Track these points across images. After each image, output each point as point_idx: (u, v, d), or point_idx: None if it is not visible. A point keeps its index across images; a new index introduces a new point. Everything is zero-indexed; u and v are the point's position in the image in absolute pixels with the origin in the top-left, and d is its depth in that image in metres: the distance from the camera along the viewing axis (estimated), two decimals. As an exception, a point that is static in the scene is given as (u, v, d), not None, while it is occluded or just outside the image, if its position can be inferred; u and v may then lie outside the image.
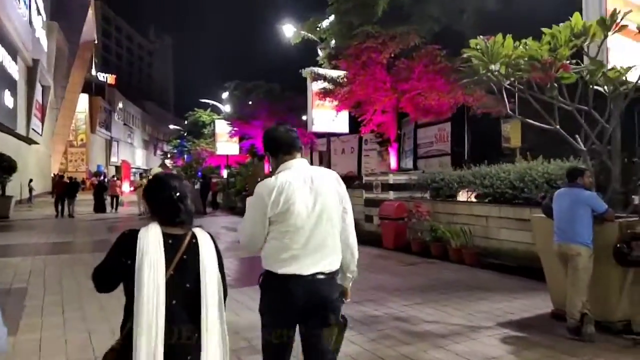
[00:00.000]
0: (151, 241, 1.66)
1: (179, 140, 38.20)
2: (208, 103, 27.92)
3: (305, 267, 2.01)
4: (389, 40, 10.25)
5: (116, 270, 1.70)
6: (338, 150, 23.00)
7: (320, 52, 13.98)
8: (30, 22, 24.70)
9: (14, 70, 21.42)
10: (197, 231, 1.81)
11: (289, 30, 14.33)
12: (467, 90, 8.94)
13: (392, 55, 10.50)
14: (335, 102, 12.15)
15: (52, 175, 40.54)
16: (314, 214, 2.03)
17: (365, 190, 11.19)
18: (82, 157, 52.55)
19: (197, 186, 19.55)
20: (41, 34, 28.86)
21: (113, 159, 61.99)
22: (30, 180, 26.93)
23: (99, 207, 18.60)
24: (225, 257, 2.12)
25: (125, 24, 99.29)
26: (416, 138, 16.84)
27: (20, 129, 23.88)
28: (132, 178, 58.88)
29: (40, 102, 29.97)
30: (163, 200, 1.76)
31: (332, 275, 2.09)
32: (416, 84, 10.26)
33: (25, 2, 22.70)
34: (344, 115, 13.50)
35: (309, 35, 13.48)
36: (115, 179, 20.08)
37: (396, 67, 10.46)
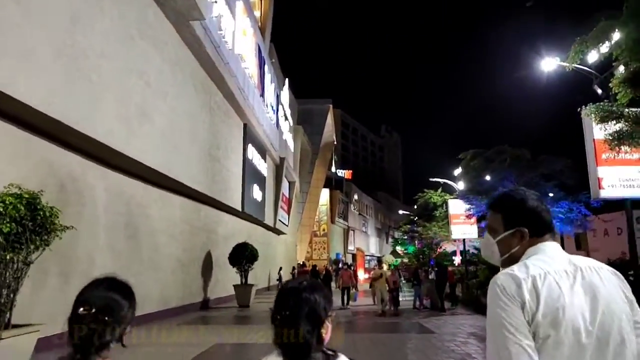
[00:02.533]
0: None
1: (408, 226, 36.51)
2: (439, 182, 25.50)
3: None
4: None
5: None
6: (598, 231, 17.43)
7: (597, 89, 9.99)
8: (278, 125, 27.98)
9: (263, 167, 23.84)
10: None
11: (549, 65, 10.73)
12: None
13: None
14: None
15: (297, 264, 44.24)
16: (594, 330, 1.25)
17: None
18: (324, 245, 56.38)
19: (432, 276, 16.55)
20: (288, 136, 32.67)
21: (350, 247, 65.05)
22: (280, 269, 28.96)
23: None
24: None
25: (360, 125, 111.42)
26: None
27: (268, 220, 26.09)
28: (366, 265, 60.15)
29: (287, 195, 33.15)
30: (276, 320, 1.38)
31: None
32: None
33: (272, 108, 25.83)
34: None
35: (575, 66, 9.70)
36: (345, 267, 18.00)
37: None
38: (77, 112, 8.09)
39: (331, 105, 49.59)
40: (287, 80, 33.39)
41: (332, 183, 62.60)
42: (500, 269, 1.46)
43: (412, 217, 37.41)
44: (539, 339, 1.25)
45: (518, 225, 1.45)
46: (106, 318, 1.35)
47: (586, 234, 29.57)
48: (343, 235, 64.87)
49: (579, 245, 30.41)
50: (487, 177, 16.25)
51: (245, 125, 20.21)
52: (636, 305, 1.36)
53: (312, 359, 1.34)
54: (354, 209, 70.59)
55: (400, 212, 59.53)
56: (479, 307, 15.25)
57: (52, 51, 7.57)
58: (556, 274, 1.32)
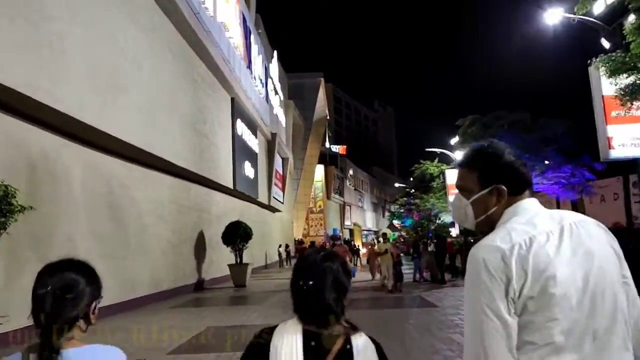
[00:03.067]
0: (286, 344, 1.33)
1: (405, 199, 36.01)
2: (435, 152, 24.70)
3: None
4: None
5: None
6: (595, 197, 17.08)
7: (605, 42, 9.22)
8: (268, 100, 27.09)
9: (254, 143, 23.10)
10: (356, 336, 1.36)
11: (552, 16, 9.85)
12: None
13: None
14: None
15: (295, 240, 43.99)
16: (586, 296, 1.17)
17: None
18: (321, 222, 56.21)
19: (431, 248, 16.11)
20: (279, 111, 31.79)
21: (347, 222, 64.97)
22: (280, 246, 28.68)
23: None
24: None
25: (353, 100, 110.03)
26: None
27: (262, 198, 25.51)
28: (363, 240, 60.12)
29: (281, 172, 32.50)
30: (296, 290, 1.42)
31: None
32: None
33: (261, 81, 24.89)
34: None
35: (581, 17, 8.92)
36: (340, 242, 16.60)
37: None
38: (41, 82, 7.32)
39: (322, 79, 48.46)
40: (275, 52, 32.29)
41: (327, 159, 62.04)
42: (477, 233, 1.36)
43: (408, 190, 36.94)
44: (528, 313, 1.15)
45: (495, 183, 1.31)
46: (66, 295, 1.31)
47: (583, 200, 29.33)
48: (339, 211, 64.73)
49: (576, 212, 30.09)
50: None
51: (232, 100, 19.38)
52: (623, 259, 1.29)
53: (332, 329, 1.35)
54: (350, 185, 70.32)
55: (396, 185, 59.13)
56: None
57: (8, 13, 6.75)
58: (542, 237, 1.20)
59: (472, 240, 19.22)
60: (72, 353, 1.27)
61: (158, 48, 12.32)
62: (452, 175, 19.97)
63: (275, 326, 1.40)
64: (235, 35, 18.28)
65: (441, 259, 14.97)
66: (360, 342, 1.37)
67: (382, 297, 12.03)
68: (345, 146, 75.48)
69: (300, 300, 1.38)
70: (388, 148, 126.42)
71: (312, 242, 20.45)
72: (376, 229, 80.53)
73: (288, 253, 29.06)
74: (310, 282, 1.36)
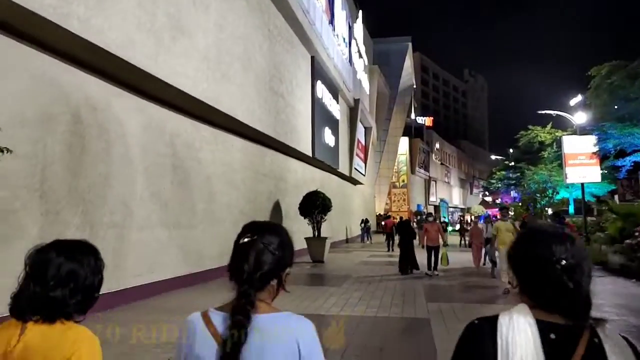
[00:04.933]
0: (519, 337, 1.06)
1: (503, 172, 32.05)
2: (549, 115, 20.61)
3: None
4: None
5: None
6: None
7: None
8: (351, 62, 24.94)
9: (335, 109, 21.26)
10: (605, 328, 1.08)
11: None
12: None
13: None
14: None
15: (377, 215, 42.10)
16: None
17: None
18: (404, 197, 53.67)
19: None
20: (363, 76, 29.53)
21: (432, 198, 61.74)
22: (367, 221, 27.01)
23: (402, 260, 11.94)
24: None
25: (442, 69, 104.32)
26: None
27: (343, 169, 23.79)
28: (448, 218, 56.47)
29: (363, 142, 30.45)
30: (539, 270, 1.11)
31: None
32: None
33: (345, 41, 22.76)
34: None
35: None
36: (432, 219, 12.25)
37: None
38: (73, 7, 6.02)
39: (410, 44, 44.97)
40: (360, 12, 29.81)
41: (412, 131, 58.78)
42: None
43: (507, 163, 32.88)
44: None
45: None
46: (269, 248, 1.23)
47: None
48: (424, 186, 61.55)
49: None
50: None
51: (312, 58, 17.59)
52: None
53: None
54: (436, 159, 66.55)
55: (493, 157, 54.12)
56: (609, 268, 11.93)
57: None
58: None
59: (596, 221, 15.92)
60: (265, 319, 1.18)
61: (228, -9, 10.79)
62: (570, 143, 16.60)
63: (493, 316, 1.14)
64: (316, -17, 16.31)
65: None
66: (612, 336, 1.07)
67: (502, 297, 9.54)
68: (432, 118, 71.67)
69: (534, 282, 1.11)
70: (478, 121, 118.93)
71: (401, 218, 18.33)
72: (463, 206, 75.99)
73: (368, 228, 27.26)
74: (564, 262, 1.07)
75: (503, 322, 1.09)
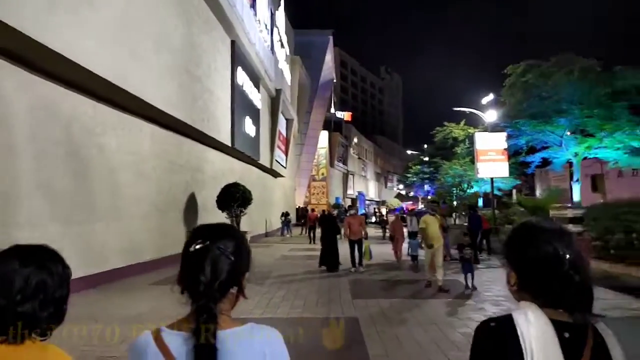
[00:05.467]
0: (540, 337, 1.05)
1: (419, 167, 33.37)
2: (463, 112, 21.60)
3: None
4: None
5: None
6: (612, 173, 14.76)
7: None
8: (273, 51, 24.21)
9: (256, 98, 20.46)
10: (602, 326, 1.12)
11: None
12: None
13: None
14: None
15: (297, 208, 41.91)
16: None
17: None
18: (323, 190, 54.16)
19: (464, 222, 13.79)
20: (284, 66, 28.91)
21: (349, 191, 63.10)
22: (287, 214, 26.49)
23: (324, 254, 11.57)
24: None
25: (359, 66, 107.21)
26: None
27: (264, 160, 23.08)
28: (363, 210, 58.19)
29: (284, 134, 29.91)
30: (545, 266, 1.11)
31: None
32: None
33: (267, 28, 21.98)
34: None
35: None
36: (354, 212, 11.94)
37: None
38: None
39: (332, 37, 45.15)
40: (282, 1, 29.09)
41: (331, 125, 59.37)
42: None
43: (422, 157, 34.31)
44: None
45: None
46: (226, 253, 1.12)
47: (603, 175, 26.97)
48: (342, 180, 62.62)
49: (595, 187, 27.99)
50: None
51: (233, 43, 16.64)
52: None
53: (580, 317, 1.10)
54: (354, 153, 68.00)
55: (409, 151, 56.39)
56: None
57: None
58: None
59: (504, 214, 16.92)
60: (228, 335, 1.06)
61: (138, -42, 9.61)
62: (481, 139, 17.47)
63: (507, 316, 1.11)
64: (237, -37, 15.36)
65: (475, 234, 12.61)
66: (607, 331, 1.12)
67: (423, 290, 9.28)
68: (350, 113, 73.16)
69: (541, 278, 1.10)
70: (394, 117, 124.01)
71: (323, 211, 18.06)
72: (378, 199, 78.72)
73: (289, 222, 26.88)
74: (569, 256, 1.10)
75: (521, 322, 1.08)
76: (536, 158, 15.24)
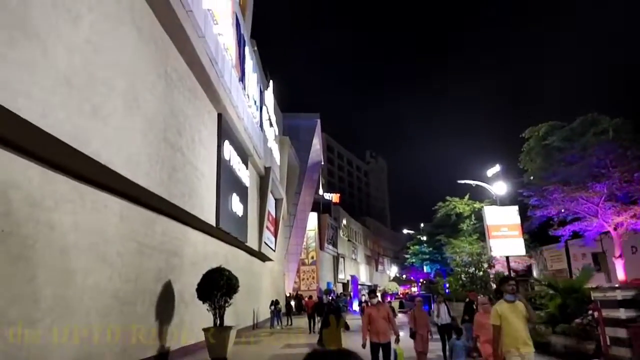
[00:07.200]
0: None
1: (417, 247, 31.45)
2: (469, 185, 20.12)
3: None
4: None
5: None
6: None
7: None
8: (262, 128, 23.35)
9: (245, 175, 19.05)
10: None
11: None
12: None
13: None
14: None
15: (286, 295, 38.86)
16: None
17: None
18: (313, 275, 51.30)
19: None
20: (273, 145, 28.06)
21: (340, 275, 60.12)
22: (277, 302, 23.96)
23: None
24: None
25: (346, 150, 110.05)
26: None
27: (252, 243, 21.07)
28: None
29: (274, 214, 28.21)
30: None
31: None
32: None
33: (256, 104, 21.23)
34: None
35: None
36: (377, 300, 9.35)
37: None
38: None
39: (319, 121, 45.52)
40: (271, 82, 29.04)
41: (320, 207, 58.12)
42: None
43: (419, 237, 32.54)
44: None
45: None
46: None
47: (605, 252, 25.46)
48: (333, 263, 59.87)
49: (597, 264, 26.29)
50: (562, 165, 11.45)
51: (220, 116, 15.53)
52: None
53: None
54: (343, 235, 66.01)
55: (405, 231, 54.52)
56: (551, 351, 10.54)
57: None
58: None
59: (531, 297, 14.89)
60: None
61: (114, 12, 8.54)
62: (492, 213, 15.93)
63: None
64: (226, 33, 14.71)
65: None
66: None
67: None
68: (339, 194, 72.56)
69: None
70: (380, 200, 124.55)
71: (320, 298, 15.82)
72: (370, 283, 75.21)
73: (279, 311, 24.19)
74: None
75: None
76: (567, 231, 13.62)
